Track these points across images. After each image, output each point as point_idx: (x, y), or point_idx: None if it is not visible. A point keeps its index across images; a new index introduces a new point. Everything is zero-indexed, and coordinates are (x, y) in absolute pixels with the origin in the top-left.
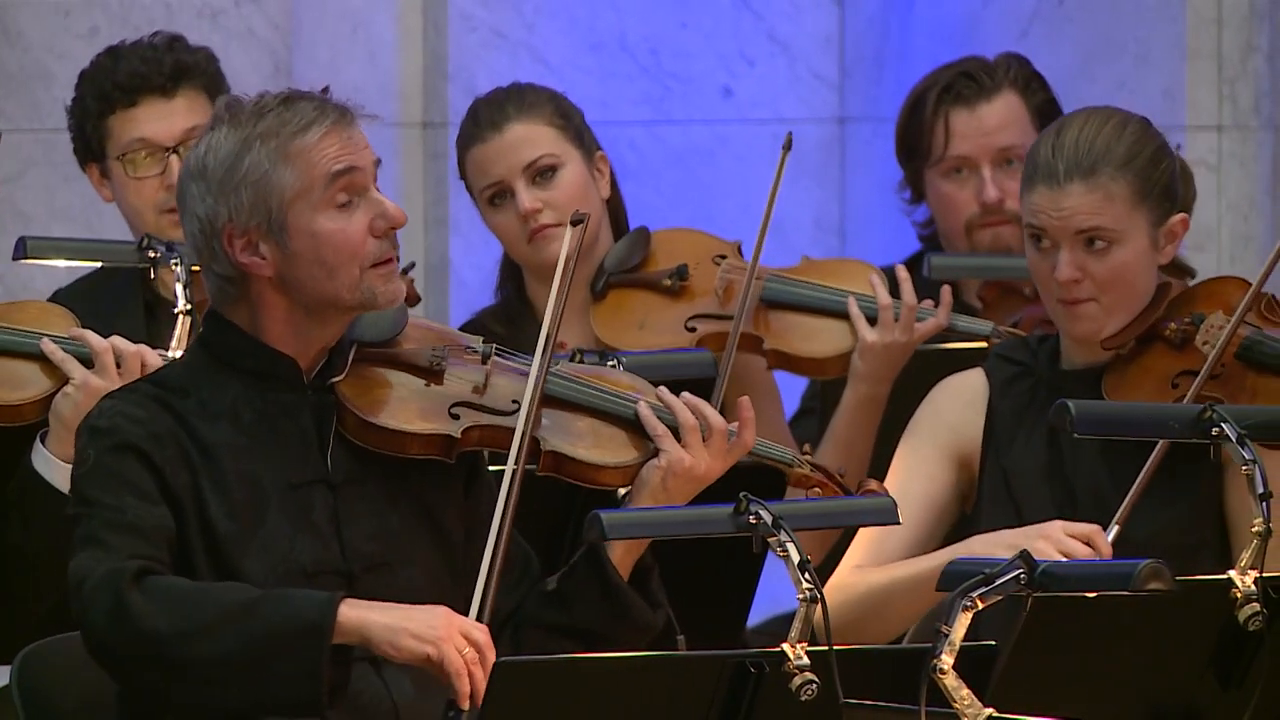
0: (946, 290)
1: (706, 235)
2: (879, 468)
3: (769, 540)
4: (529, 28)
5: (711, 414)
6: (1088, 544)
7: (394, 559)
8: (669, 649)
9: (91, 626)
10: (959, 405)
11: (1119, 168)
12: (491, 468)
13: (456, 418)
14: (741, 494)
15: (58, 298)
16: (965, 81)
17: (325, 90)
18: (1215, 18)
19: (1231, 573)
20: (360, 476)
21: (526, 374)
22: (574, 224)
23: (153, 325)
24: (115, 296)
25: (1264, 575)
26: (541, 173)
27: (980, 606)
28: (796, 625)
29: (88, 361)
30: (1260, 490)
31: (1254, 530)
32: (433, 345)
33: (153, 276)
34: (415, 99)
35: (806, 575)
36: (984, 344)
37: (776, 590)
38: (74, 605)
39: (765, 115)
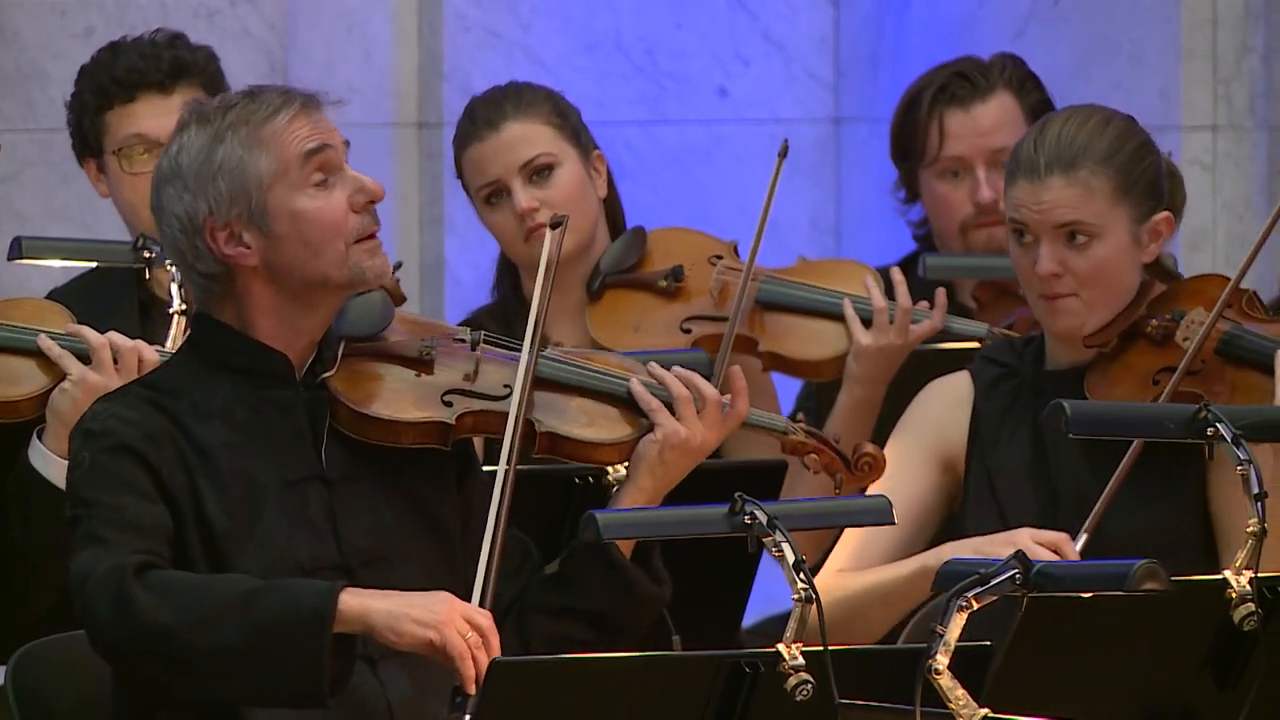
0: (941, 293)
1: (702, 235)
2: None
3: (764, 540)
4: (524, 27)
5: (704, 385)
6: (1055, 552)
7: (391, 554)
8: (664, 649)
9: (96, 622)
10: (944, 408)
11: (1100, 162)
12: (486, 467)
13: (450, 405)
14: (736, 494)
15: (53, 297)
16: (960, 82)
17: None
18: (1210, 18)
19: (1227, 573)
20: (355, 472)
21: (516, 360)
22: (553, 227)
23: (148, 325)
24: (110, 296)
25: (1259, 575)
26: (538, 172)
27: (975, 607)
28: (791, 625)
29: (85, 357)
30: (1256, 490)
31: (1249, 530)
32: (421, 337)
33: (148, 277)
34: (410, 99)
35: (801, 575)
36: (978, 345)
37: (772, 590)
38: (76, 603)
39: (761, 115)
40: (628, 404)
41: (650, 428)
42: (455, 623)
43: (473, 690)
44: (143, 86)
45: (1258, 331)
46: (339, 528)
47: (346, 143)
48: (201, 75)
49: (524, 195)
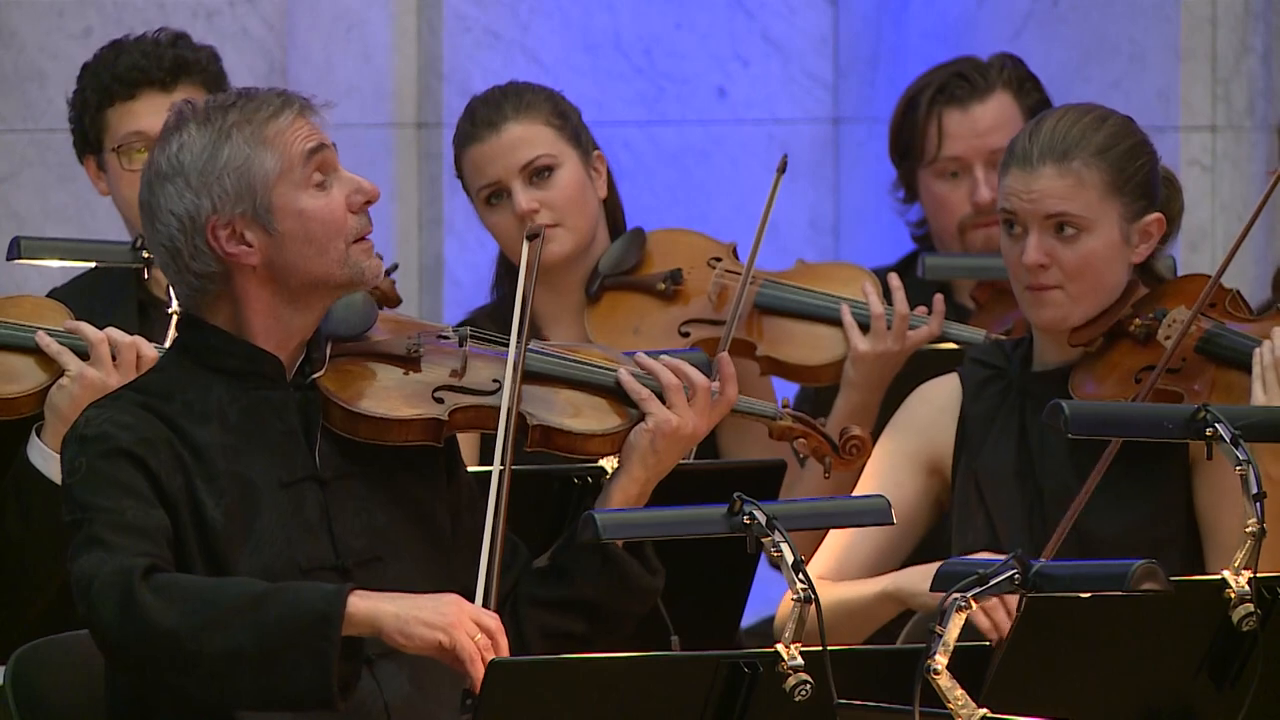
0: (939, 299)
1: (702, 237)
2: None
3: (763, 541)
4: (524, 28)
5: (693, 372)
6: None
7: (386, 553)
8: (663, 650)
9: (102, 625)
10: (932, 411)
11: (1093, 155)
12: (482, 468)
13: (440, 401)
14: (735, 494)
15: (52, 297)
16: (959, 82)
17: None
18: (1209, 18)
19: (1225, 573)
20: (348, 472)
21: (503, 355)
22: (529, 239)
23: (146, 325)
24: (108, 297)
25: (1258, 575)
26: (538, 172)
27: (974, 607)
28: (790, 626)
29: (83, 354)
30: (1254, 491)
31: (1248, 530)
32: (407, 335)
33: (146, 277)
34: (410, 99)
35: (801, 576)
36: None
37: (771, 591)
38: (81, 606)
39: (760, 115)
40: (616, 395)
41: (640, 418)
42: (464, 625)
43: None
44: (144, 84)
45: (1239, 330)
46: (334, 528)
47: (334, 145)
48: (203, 75)
49: (524, 196)
